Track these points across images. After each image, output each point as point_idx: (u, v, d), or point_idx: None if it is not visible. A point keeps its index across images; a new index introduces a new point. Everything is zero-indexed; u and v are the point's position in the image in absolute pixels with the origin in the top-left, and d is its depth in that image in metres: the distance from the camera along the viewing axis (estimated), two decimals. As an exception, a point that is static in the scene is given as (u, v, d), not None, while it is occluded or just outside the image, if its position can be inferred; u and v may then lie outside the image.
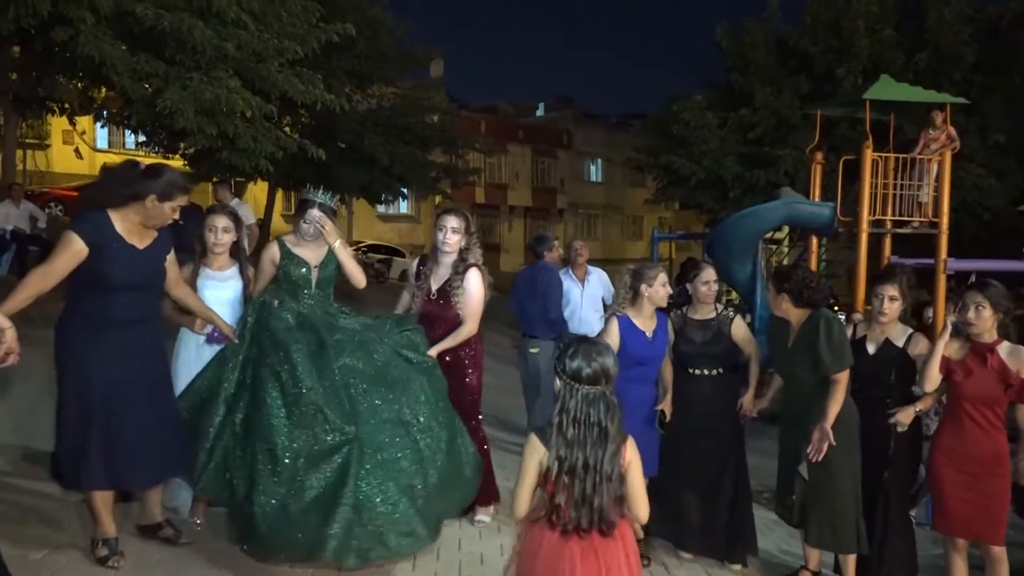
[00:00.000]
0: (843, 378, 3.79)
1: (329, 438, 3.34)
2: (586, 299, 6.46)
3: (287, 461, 3.31)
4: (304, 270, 3.89)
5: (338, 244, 3.91)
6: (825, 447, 3.74)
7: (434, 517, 3.54)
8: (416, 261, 4.43)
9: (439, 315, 4.18)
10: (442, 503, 3.62)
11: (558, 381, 2.44)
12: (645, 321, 4.20)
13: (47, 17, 8.63)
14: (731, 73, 18.82)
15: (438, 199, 27.38)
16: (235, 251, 4.13)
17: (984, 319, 3.65)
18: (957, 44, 16.88)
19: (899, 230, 10.28)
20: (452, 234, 4.10)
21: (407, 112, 18.77)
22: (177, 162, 14.46)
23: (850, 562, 3.95)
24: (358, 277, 4.01)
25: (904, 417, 3.93)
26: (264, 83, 10.01)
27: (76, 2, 8.54)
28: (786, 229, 12.28)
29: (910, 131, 11.77)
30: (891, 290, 3.99)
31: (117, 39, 9.12)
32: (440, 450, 3.56)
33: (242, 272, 4.12)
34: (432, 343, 4.03)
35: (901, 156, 10.11)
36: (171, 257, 3.53)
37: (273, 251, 3.97)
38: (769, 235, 11.52)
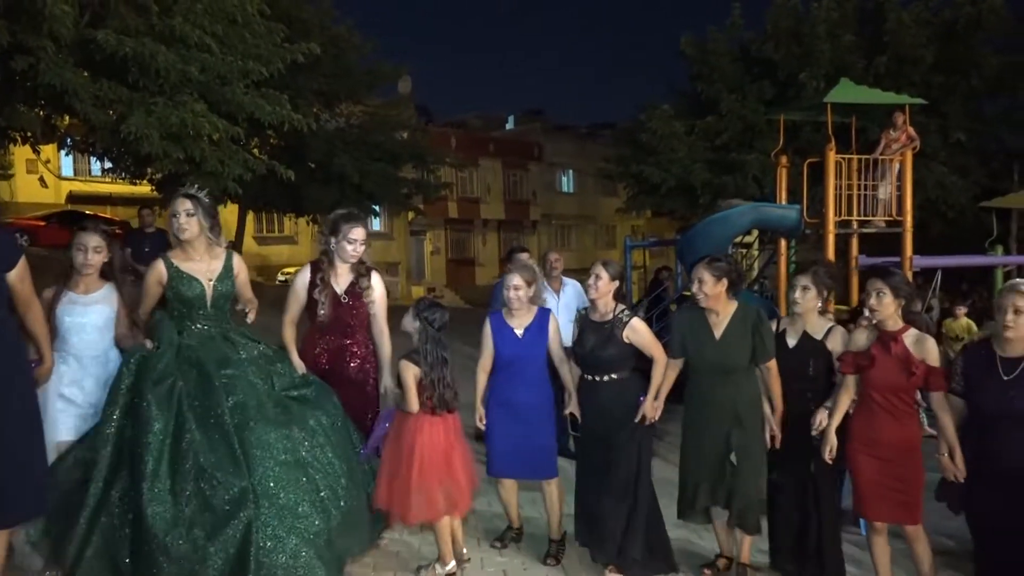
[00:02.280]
0: (775, 364, 4.01)
1: (223, 498, 3.13)
2: (562, 309, 6.46)
3: (180, 537, 3.08)
4: (198, 289, 3.67)
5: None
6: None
7: (336, 559, 3.38)
8: (307, 269, 4.20)
9: (350, 318, 4.14)
10: (346, 541, 3.45)
11: (417, 323, 3.81)
12: (519, 319, 4.20)
13: (6, 46, 8.56)
14: (696, 82, 19.03)
15: (411, 215, 27.42)
16: (108, 272, 3.84)
17: (885, 305, 3.70)
18: (915, 47, 17.22)
19: (864, 229, 10.44)
20: (361, 246, 4.10)
21: (376, 129, 18.82)
22: (144, 187, 14.35)
23: (747, 543, 4.13)
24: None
25: (820, 419, 3.99)
26: (230, 105, 10.00)
27: (36, 31, 8.48)
28: (755, 233, 12.40)
29: (872, 133, 11.97)
30: (803, 280, 4.04)
31: (79, 66, 9.08)
32: (341, 486, 3.41)
33: (119, 292, 3.82)
34: (345, 347, 4.10)
35: (864, 157, 10.28)
36: (17, 273, 3.09)
37: (159, 270, 3.71)
38: (739, 239, 11.63)
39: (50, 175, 23.03)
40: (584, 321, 4.21)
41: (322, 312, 4.08)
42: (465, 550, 4.17)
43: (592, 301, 4.18)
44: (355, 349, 4.19)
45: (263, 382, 3.52)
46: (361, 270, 4.16)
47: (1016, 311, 3.35)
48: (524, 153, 36.84)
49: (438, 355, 3.80)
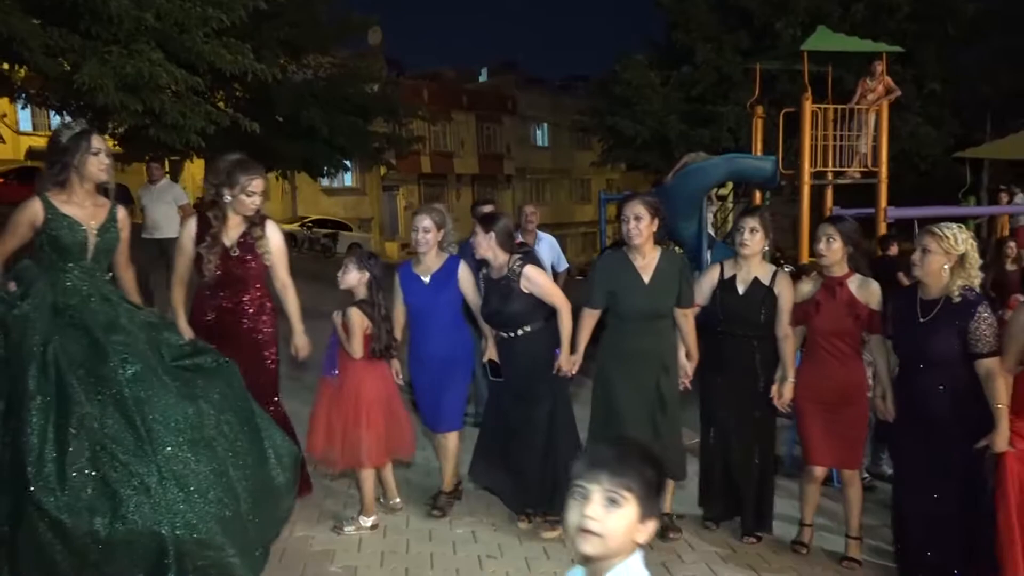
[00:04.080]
0: (692, 312, 4.00)
1: (127, 482, 2.73)
2: (536, 264, 6.34)
3: (79, 526, 2.68)
4: (80, 235, 3.20)
5: None
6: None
7: (252, 542, 3.04)
8: (193, 221, 3.86)
9: (242, 272, 3.79)
10: (260, 521, 3.11)
11: (366, 274, 3.87)
12: (426, 265, 4.07)
13: (-52, -7, 8.12)
14: (672, 31, 18.74)
15: (383, 170, 27.00)
16: None
17: (834, 251, 3.74)
18: (892, -6, 17.02)
19: (840, 181, 10.38)
20: (260, 199, 3.78)
21: (346, 82, 18.31)
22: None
23: (671, 491, 4.08)
24: None
25: (784, 394, 3.97)
26: (189, 55, 9.57)
27: (-21, -25, 8.04)
28: (730, 185, 12.29)
29: (849, 82, 11.84)
30: (751, 222, 3.94)
31: (27, 13, 8.62)
32: (248, 464, 3.07)
33: None
34: (237, 306, 3.77)
35: (840, 107, 10.18)
36: None
37: (34, 209, 3.19)
38: (715, 191, 11.51)
39: (7, 130, 22.26)
40: (486, 280, 4.07)
41: (209, 268, 3.73)
42: (398, 499, 4.12)
43: (483, 260, 4.02)
44: (248, 308, 3.82)
45: (153, 352, 3.10)
46: (254, 219, 3.81)
47: (924, 251, 3.43)
48: (498, 106, 36.32)
49: (384, 304, 3.89)
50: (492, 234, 3.94)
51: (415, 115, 21.49)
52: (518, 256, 3.97)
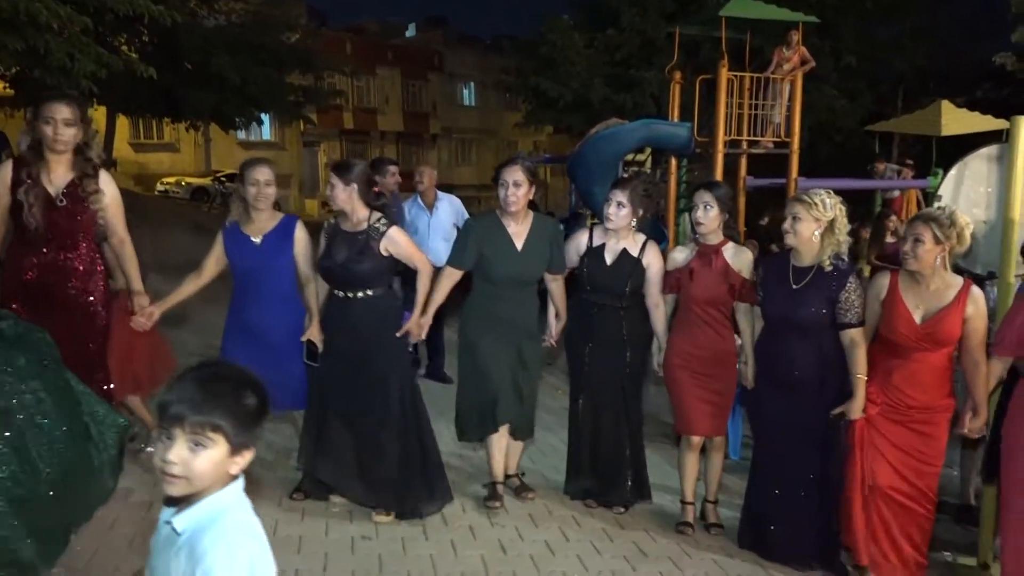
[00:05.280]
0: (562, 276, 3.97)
1: None
2: (433, 227, 6.12)
3: None
4: None
5: None
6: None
7: (55, 529, 2.72)
8: (9, 164, 3.41)
9: (69, 225, 3.37)
10: (67, 505, 2.76)
11: None
12: (258, 224, 3.74)
13: None
14: (598, -8, 18.52)
15: (303, 125, 26.14)
16: None
17: (711, 218, 3.73)
18: (813, -34, 17.13)
19: (753, 150, 10.41)
20: (68, 129, 3.30)
21: (261, 30, 17.52)
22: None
23: (520, 452, 4.13)
24: None
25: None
26: (75, -9, 8.89)
27: None
28: (648, 151, 12.24)
29: (768, 52, 11.87)
30: (619, 195, 3.86)
31: None
32: (56, 439, 2.69)
33: None
34: (63, 263, 3.37)
35: (756, 76, 10.17)
36: None
37: None
38: (631, 157, 11.44)
39: None
40: (334, 231, 3.70)
41: (31, 219, 3.29)
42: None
43: (342, 211, 3.70)
44: (77, 265, 3.42)
45: None
46: (87, 168, 3.40)
47: (795, 218, 3.45)
48: (424, 63, 35.53)
49: None
50: (354, 185, 3.63)
51: (336, 68, 20.81)
52: (380, 215, 3.71)
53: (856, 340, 3.42)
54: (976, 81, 20.03)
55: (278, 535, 3.44)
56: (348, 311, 3.66)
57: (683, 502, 4.01)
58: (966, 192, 4.22)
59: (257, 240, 3.74)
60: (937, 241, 3.26)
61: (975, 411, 3.38)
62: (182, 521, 1.49)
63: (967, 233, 3.30)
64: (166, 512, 1.54)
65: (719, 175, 10.04)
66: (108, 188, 3.46)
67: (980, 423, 3.39)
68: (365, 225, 3.66)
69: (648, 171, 12.69)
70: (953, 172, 4.33)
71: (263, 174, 3.71)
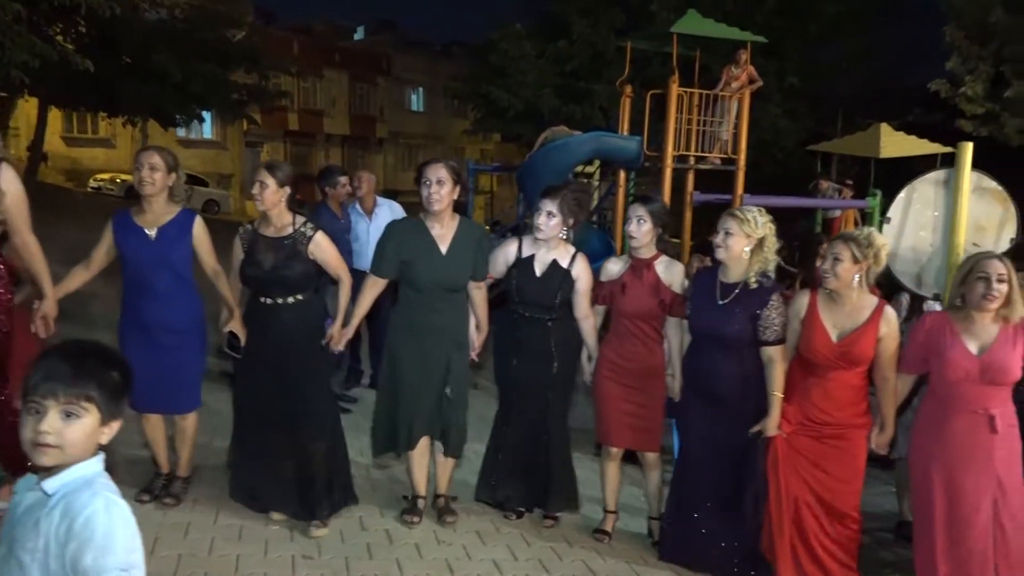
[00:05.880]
0: (485, 284, 3.83)
1: None
2: (373, 234, 5.93)
3: None
4: None
5: None
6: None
7: None
8: None
9: None
10: None
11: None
12: (152, 215, 3.53)
13: None
14: (550, 2, 18.60)
15: (246, 125, 25.59)
16: None
17: (644, 232, 3.72)
18: (760, -12, 17.56)
19: (701, 166, 10.53)
20: None
21: (205, 25, 17.11)
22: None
23: (451, 470, 3.96)
24: None
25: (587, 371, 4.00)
26: (7, -23, 8.49)
27: None
28: (597, 163, 12.30)
29: (715, 70, 12.05)
30: (549, 205, 3.78)
31: None
32: None
33: None
34: None
35: (705, 93, 10.29)
36: None
37: None
38: (580, 168, 11.46)
39: None
40: (253, 237, 3.57)
41: None
42: None
43: (264, 213, 3.57)
44: None
45: None
46: None
47: (727, 233, 3.47)
48: (373, 67, 35.17)
49: None
50: (286, 188, 3.51)
51: (282, 68, 20.44)
52: (304, 218, 3.60)
53: (774, 358, 3.46)
54: (909, 106, 20.73)
55: (214, 555, 3.28)
56: (275, 318, 3.54)
57: (605, 511, 4.03)
58: (914, 215, 4.29)
59: (152, 233, 3.50)
60: (855, 260, 3.34)
61: (882, 426, 3.46)
62: (53, 484, 1.53)
63: (883, 254, 3.39)
64: (25, 483, 1.60)
65: (667, 189, 10.14)
66: (10, 187, 3.12)
67: (886, 438, 3.47)
68: (291, 229, 3.54)
69: (596, 183, 12.77)
70: (902, 195, 4.40)
71: (151, 157, 3.50)
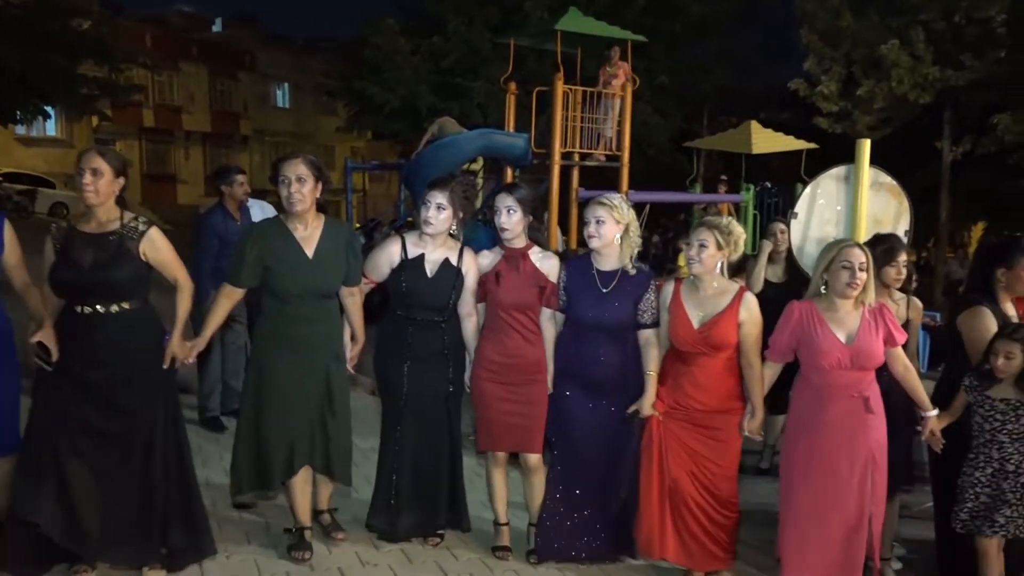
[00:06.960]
0: (359, 289, 3.64)
1: None
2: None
3: None
4: None
5: None
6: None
7: None
8: None
9: None
10: None
11: None
12: None
13: None
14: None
15: (96, 121, 23.84)
16: None
17: (515, 222, 3.60)
18: (631, -12, 17.96)
19: (586, 163, 10.63)
20: None
21: (47, 15, 15.77)
22: None
23: (330, 491, 3.77)
24: None
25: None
26: None
27: None
28: (481, 160, 12.20)
29: (591, 68, 12.20)
30: (439, 197, 3.56)
31: None
32: None
33: None
34: None
35: (588, 90, 10.38)
36: None
37: None
38: (466, 166, 11.33)
39: None
40: (68, 234, 3.06)
41: None
42: None
43: (89, 206, 3.10)
44: None
45: None
46: None
47: (599, 221, 3.50)
48: (234, 61, 33.60)
49: None
50: (122, 180, 3.09)
51: (135, 61, 19.18)
52: (133, 214, 3.16)
53: (650, 340, 3.53)
54: (770, 104, 21.86)
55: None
56: (96, 330, 3.02)
57: (496, 523, 3.78)
58: (819, 211, 4.38)
59: None
60: (719, 247, 3.43)
61: (752, 412, 3.51)
62: None
63: (741, 242, 3.51)
64: None
65: (555, 186, 10.16)
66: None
67: (757, 424, 3.53)
68: (118, 224, 3.08)
69: (481, 180, 12.66)
70: (807, 191, 4.49)
71: None
